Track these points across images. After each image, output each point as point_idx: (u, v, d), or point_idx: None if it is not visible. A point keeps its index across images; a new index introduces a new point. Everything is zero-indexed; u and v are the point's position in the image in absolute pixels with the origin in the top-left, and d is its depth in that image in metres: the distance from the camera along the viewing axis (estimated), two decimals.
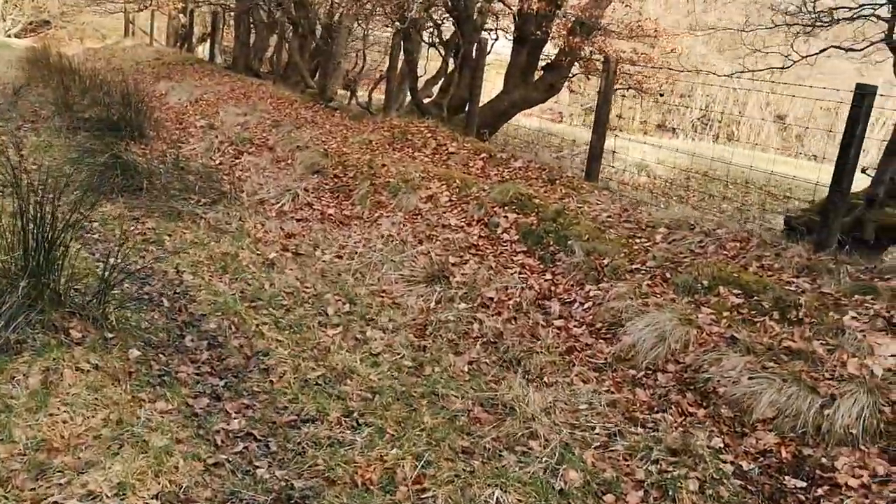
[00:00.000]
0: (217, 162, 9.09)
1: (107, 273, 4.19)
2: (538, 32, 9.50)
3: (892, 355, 3.84)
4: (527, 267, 5.61)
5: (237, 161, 9.08)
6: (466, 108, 10.29)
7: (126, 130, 9.35)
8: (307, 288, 5.41)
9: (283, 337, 4.48)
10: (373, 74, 15.13)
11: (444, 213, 6.67)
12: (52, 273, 4.13)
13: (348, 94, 13.63)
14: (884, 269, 4.66)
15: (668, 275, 4.95)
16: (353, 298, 5.27)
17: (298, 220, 7.02)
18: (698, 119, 29.41)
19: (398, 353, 4.44)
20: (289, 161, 8.75)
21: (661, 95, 10.19)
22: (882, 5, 5.52)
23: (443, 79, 11.97)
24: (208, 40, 20.62)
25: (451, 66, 11.87)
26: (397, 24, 11.61)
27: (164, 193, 7.20)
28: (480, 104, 9.99)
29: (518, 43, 9.76)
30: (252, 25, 16.63)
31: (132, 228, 6.16)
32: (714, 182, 11.19)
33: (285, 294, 5.21)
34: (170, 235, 6.10)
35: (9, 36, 38.61)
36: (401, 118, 9.98)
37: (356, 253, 6.22)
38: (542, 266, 5.61)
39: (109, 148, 8.36)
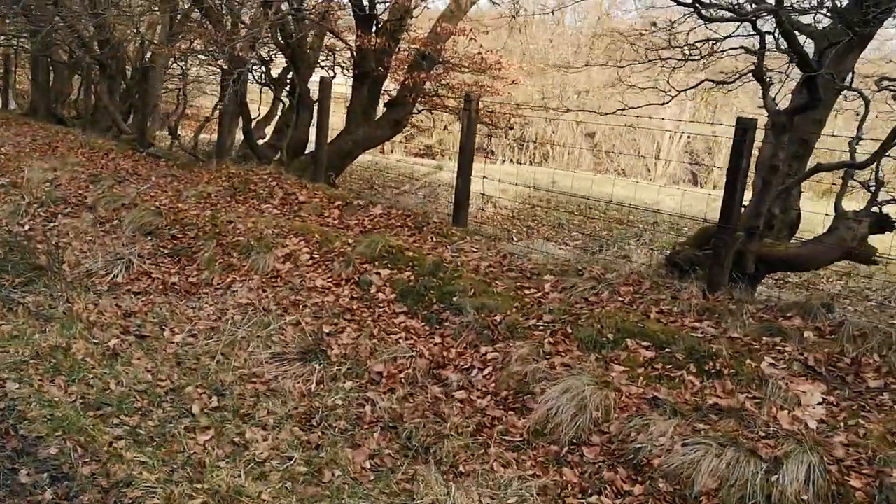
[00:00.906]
0: (27, 228, 7.91)
1: None
2: (379, 68, 9.09)
3: (818, 403, 3.70)
4: (412, 331, 5.12)
5: (51, 225, 7.94)
6: (309, 151, 9.72)
7: None
8: (162, 381, 4.62)
9: (144, 455, 3.70)
10: (195, 115, 14.17)
11: (308, 273, 6.05)
12: None
13: (170, 138, 12.61)
14: (783, 306, 4.59)
15: (569, 329, 4.63)
16: (221, 389, 4.55)
17: (137, 294, 6.13)
18: (515, 141, 30.19)
19: (287, 457, 3.80)
20: (114, 222, 7.76)
21: (511, 129, 10.09)
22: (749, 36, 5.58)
23: (276, 119, 11.30)
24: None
25: (280, 105, 11.25)
26: (221, 62, 10.85)
27: None
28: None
29: (358, 80, 9.30)
30: (51, 67, 15.10)
31: None
32: (557, 210, 11.25)
33: (137, 394, 4.40)
34: None
35: None
36: (237, 165, 9.21)
37: (212, 329, 5.46)
38: (428, 329, 5.14)
39: None
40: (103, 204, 8.25)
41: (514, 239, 8.90)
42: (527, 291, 5.21)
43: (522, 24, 26.37)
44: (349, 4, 9.50)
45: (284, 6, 9.07)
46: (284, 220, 7.15)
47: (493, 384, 4.42)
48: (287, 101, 10.46)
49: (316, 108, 8.97)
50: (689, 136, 30.92)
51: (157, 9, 12.78)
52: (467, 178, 6.76)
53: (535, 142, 31.75)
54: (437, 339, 5.01)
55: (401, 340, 5.01)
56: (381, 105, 9.85)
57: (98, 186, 8.89)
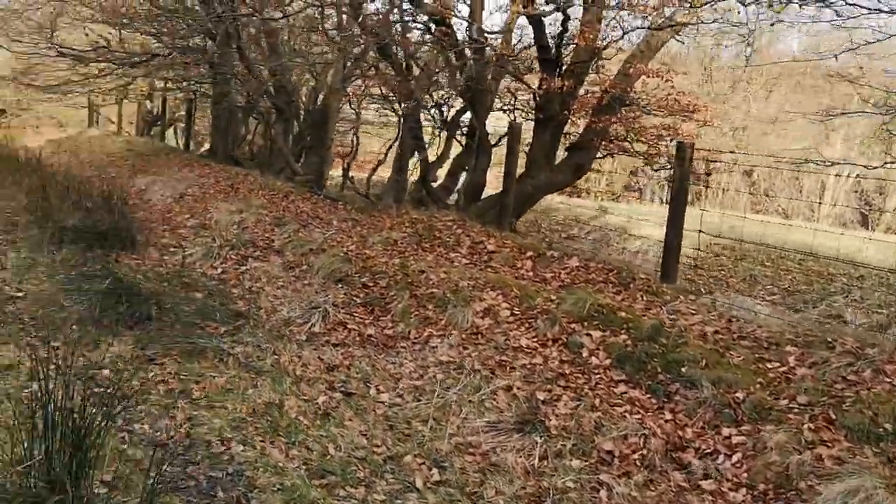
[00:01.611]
0: (220, 271, 8.09)
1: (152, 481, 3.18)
2: (564, 112, 8.81)
3: None
4: (637, 403, 4.71)
5: (243, 269, 8.09)
6: (486, 196, 9.54)
7: (115, 240, 8.35)
8: (378, 447, 4.43)
9: None
10: (365, 157, 14.40)
11: (510, 331, 5.77)
12: (83, 479, 3.13)
13: (340, 179, 12.85)
14: None
15: (831, 414, 4.08)
16: (439, 460, 4.30)
17: (335, 346, 6.04)
18: (666, 179, 29.09)
19: None
20: (303, 267, 7.80)
21: (709, 175, 9.55)
22: None
23: (448, 161, 11.22)
24: (174, 126, 19.78)
25: (453, 147, 11.18)
26: (397, 105, 10.91)
27: (177, 321, 6.18)
28: (496, 190, 9.24)
29: (540, 123, 9.06)
30: (230, 111, 15.81)
31: (151, 374, 5.13)
32: (744, 259, 10.51)
33: (357, 461, 4.22)
34: (197, 382, 5.07)
35: None
36: (417, 210, 9.13)
37: (417, 389, 5.26)
38: (655, 402, 4.72)
39: (102, 265, 7.38)
40: (290, 248, 8.34)
41: (703, 291, 8.32)
42: (768, 365, 4.69)
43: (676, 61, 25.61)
44: (532, 47, 9.33)
45: (467, 50, 8.99)
46: (476, 271, 6.92)
47: (746, 475, 3.94)
48: (462, 143, 10.35)
49: (486, 150, 8.81)
50: (857, 176, 28.89)
51: (331, 54, 13.09)
52: (679, 230, 6.31)
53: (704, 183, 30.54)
54: (668, 416, 4.58)
55: (627, 414, 4.61)
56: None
57: (283, 230, 9.03)
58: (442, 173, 11.22)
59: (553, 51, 8.74)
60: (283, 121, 13.94)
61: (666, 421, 4.51)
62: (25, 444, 3.14)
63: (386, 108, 11.88)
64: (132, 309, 6.15)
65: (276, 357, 5.63)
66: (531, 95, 9.13)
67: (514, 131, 7.95)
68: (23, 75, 17.53)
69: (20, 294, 6.55)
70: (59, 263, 7.63)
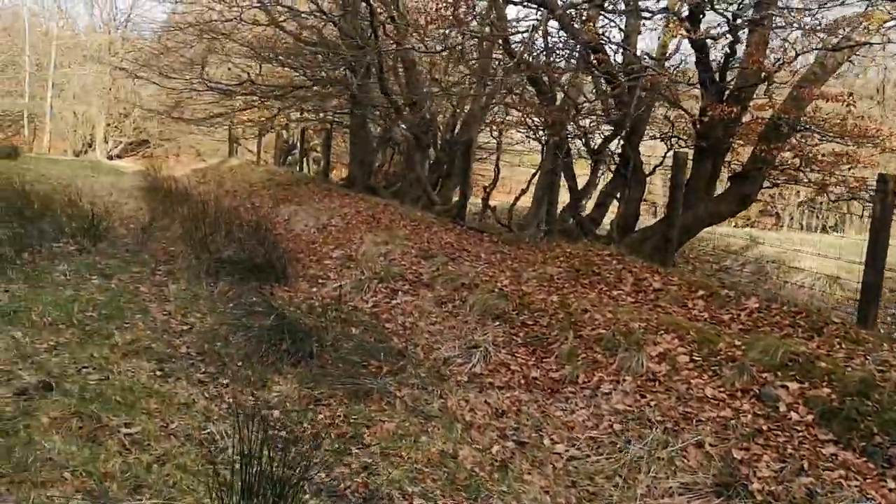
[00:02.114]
0: (370, 305, 8.00)
1: None
2: (728, 139, 8.30)
3: None
4: (852, 468, 4.19)
5: (394, 302, 7.97)
6: (640, 228, 9.11)
7: (268, 272, 8.44)
8: None
9: None
10: (504, 187, 14.21)
11: (691, 379, 5.33)
12: None
13: (481, 209, 12.68)
14: None
15: None
16: None
17: (500, 389, 5.77)
18: (806, 202, 27.34)
19: None
20: (456, 303, 7.60)
21: None
22: None
23: (596, 191, 10.84)
24: (309, 156, 20.23)
25: (600, 176, 10.79)
26: (541, 132, 10.66)
27: (338, 359, 6.07)
28: (651, 223, 8.78)
29: (702, 151, 8.56)
30: (367, 140, 16.01)
31: (319, 416, 5.01)
32: None
33: None
34: (367, 426, 4.90)
35: (110, 157, 39.81)
36: (570, 243, 8.79)
37: (594, 441, 4.91)
38: (873, 468, 4.18)
39: (258, 297, 7.43)
40: (441, 282, 8.17)
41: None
42: None
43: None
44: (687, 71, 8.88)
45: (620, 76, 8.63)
46: (645, 310, 6.52)
47: None
48: (611, 172, 9.97)
49: (639, 180, 8.36)
50: None
51: (470, 83, 13.00)
52: (880, 270, 5.72)
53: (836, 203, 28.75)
54: (892, 484, 4.04)
55: (842, 481, 4.10)
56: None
57: (431, 263, 8.89)
58: (589, 204, 10.85)
59: (717, 75, 8.25)
60: (420, 150, 13.94)
61: (890, 490, 3.98)
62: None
63: (529, 136, 11.63)
64: (294, 345, 6.11)
65: (443, 401, 5.42)
66: (690, 122, 8.65)
67: (678, 160, 7.52)
68: (172, 109, 18.39)
69: (186, 327, 6.64)
70: (218, 296, 7.75)
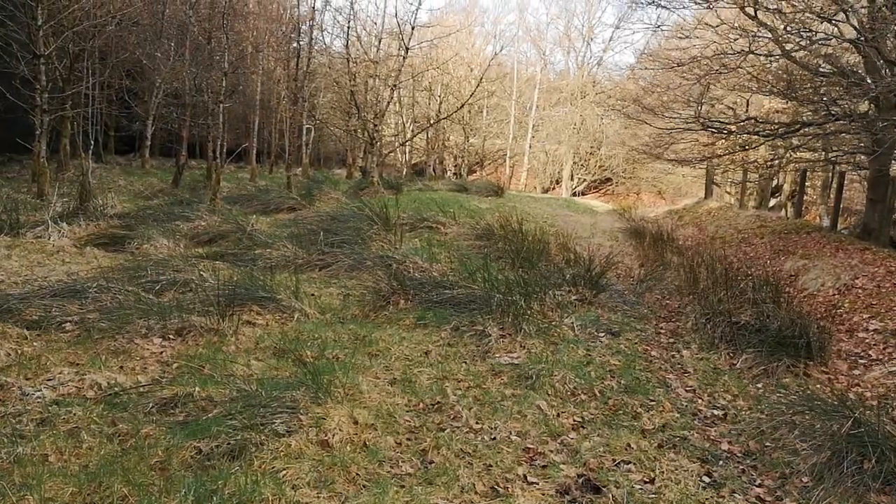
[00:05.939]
0: None
1: None
2: None
3: None
4: None
5: None
6: None
7: (796, 344, 6.92)
8: None
9: None
10: None
11: None
12: None
13: None
14: None
15: None
16: None
17: None
18: None
19: None
20: None
21: None
22: None
23: None
24: (794, 198, 17.96)
25: None
26: None
27: None
28: None
29: None
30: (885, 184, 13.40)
31: None
32: None
33: None
34: None
35: (573, 194, 41.48)
36: None
37: None
38: None
39: (791, 377, 6.01)
40: None
41: None
42: None
43: None
44: None
45: None
46: None
47: None
48: None
49: None
50: None
51: None
52: None
53: None
54: None
55: None
56: None
57: None
58: None
59: None
60: None
61: None
62: None
63: None
64: (879, 465, 4.54)
65: None
66: None
67: None
68: (653, 148, 17.77)
69: (717, 412, 5.51)
70: (743, 372, 6.49)
